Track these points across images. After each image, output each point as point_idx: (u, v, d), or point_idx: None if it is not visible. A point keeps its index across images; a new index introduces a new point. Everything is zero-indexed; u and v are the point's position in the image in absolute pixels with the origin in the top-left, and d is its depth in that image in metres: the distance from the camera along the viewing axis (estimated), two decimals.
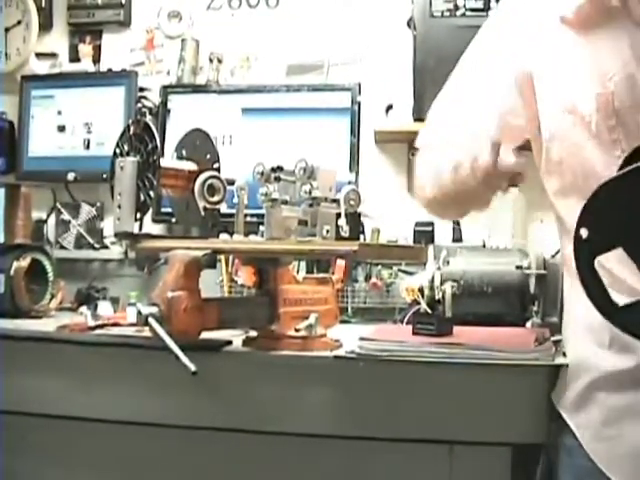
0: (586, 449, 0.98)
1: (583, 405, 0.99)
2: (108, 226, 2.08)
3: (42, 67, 2.26)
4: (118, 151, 1.24)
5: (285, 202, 1.20)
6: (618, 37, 0.95)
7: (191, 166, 1.28)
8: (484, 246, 1.59)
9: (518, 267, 1.38)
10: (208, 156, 1.28)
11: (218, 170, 1.27)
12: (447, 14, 1.89)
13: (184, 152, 1.31)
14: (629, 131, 0.92)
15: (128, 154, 1.22)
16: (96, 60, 2.24)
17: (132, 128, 1.24)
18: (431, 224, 1.86)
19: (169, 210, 1.58)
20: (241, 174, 1.28)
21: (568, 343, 1.08)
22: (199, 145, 1.30)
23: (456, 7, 1.89)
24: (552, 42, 1.02)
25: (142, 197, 1.20)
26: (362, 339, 1.14)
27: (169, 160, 1.30)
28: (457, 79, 1.15)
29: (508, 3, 1.13)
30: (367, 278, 1.86)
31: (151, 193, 1.20)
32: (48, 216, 2.16)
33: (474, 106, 1.11)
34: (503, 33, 1.09)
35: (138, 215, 1.21)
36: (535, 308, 1.38)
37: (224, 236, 1.35)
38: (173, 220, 1.87)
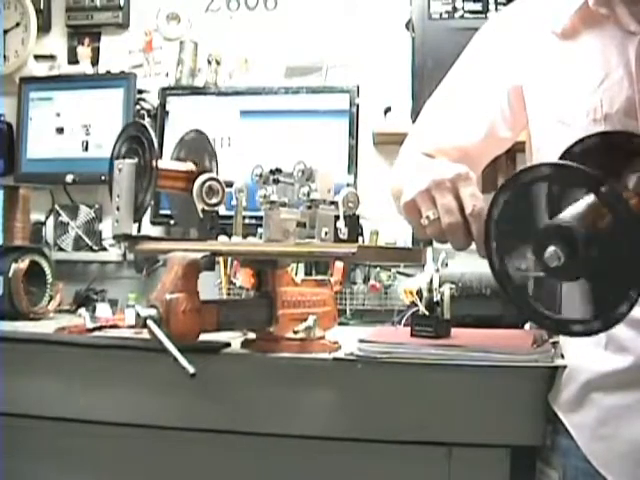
0: (583, 450, 0.98)
1: (579, 405, 1.00)
2: (107, 228, 2.08)
3: (40, 69, 2.26)
4: (116, 153, 1.24)
5: (284, 204, 1.19)
6: (606, 44, 0.97)
7: (190, 168, 1.28)
8: None
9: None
10: (207, 158, 1.28)
11: (217, 172, 1.27)
12: (445, 16, 1.89)
13: (182, 154, 1.31)
14: None
15: (126, 156, 1.22)
16: (94, 62, 2.25)
17: (130, 130, 1.24)
18: None
19: (168, 212, 1.58)
20: (240, 176, 1.28)
21: (565, 344, 1.09)
22: (197, 147, 1.29)
23: (454, 9, 1.89)
24: (542, 54, 1.04)
25: (140, 199, 1.20)
26: (361, 341, 1.14)
27: (167, 162, 1.30)
28: (446, 90, 1.17)
29: (500, 16, 1.15)
30: (365, 280, 1.86)
31: (149, 195, 1.20)
32: (47, 218, 2.16)
33: (462, 118, 1.12)
34: (495, 46, 1.11)
35: (136, 217, 1.21)
36: None
37: (222, 238, 1.35)
38: (172, 222, 1.87)
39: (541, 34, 1.04)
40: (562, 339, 1.12)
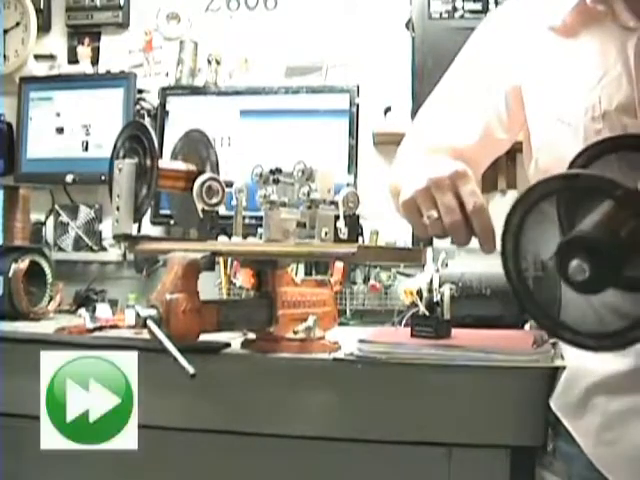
0: (587, 455, 0.97)
1: (583, 410, 0.99)
2: (107, 228, 2.08)
3: (40, 69, 2.26)
4: (116, 153, 1.24)
5: (284, 204, 1.19)
6: (605, 41, 0.96)
7: (189, 168, 1.28)
8: None
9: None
10: (207, 158, 1.28)
11: (217, 172, 1.27)
12: (445, 16, 1.89)
13: (182, 154, 1.31)
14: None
15: (126, 156, 1.22)
16: (94, 62, 2.24)
17: (130, 130, 1.24)
18: None
19: (168, 212, 1.58)
20: (240, 176, 1.28)
21: (567, 347, 1.08)
22: (198, 147, 1.29)
23: (454, 9, 1.89)
24: (539, 53, 1.03)
25: (140, 199, 1.20)
26: (361, 341, 1.14)
27: (167, 162, 1.30)
28: (444, 90, 1.16)
29: (498, 14, 1.15)
30: (365, 280, 1.86)
31: (149, 195, 1.20)
32: (47, 218, 2.16)
33: (458, 119, 1.12)
34: (493, 45, 1.11)
35: (136, 217, 1.21)
36: None
37: (222, 238, 1.35)
38: (172, 222, 1.87)
39: (538, 31, 1.03)
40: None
